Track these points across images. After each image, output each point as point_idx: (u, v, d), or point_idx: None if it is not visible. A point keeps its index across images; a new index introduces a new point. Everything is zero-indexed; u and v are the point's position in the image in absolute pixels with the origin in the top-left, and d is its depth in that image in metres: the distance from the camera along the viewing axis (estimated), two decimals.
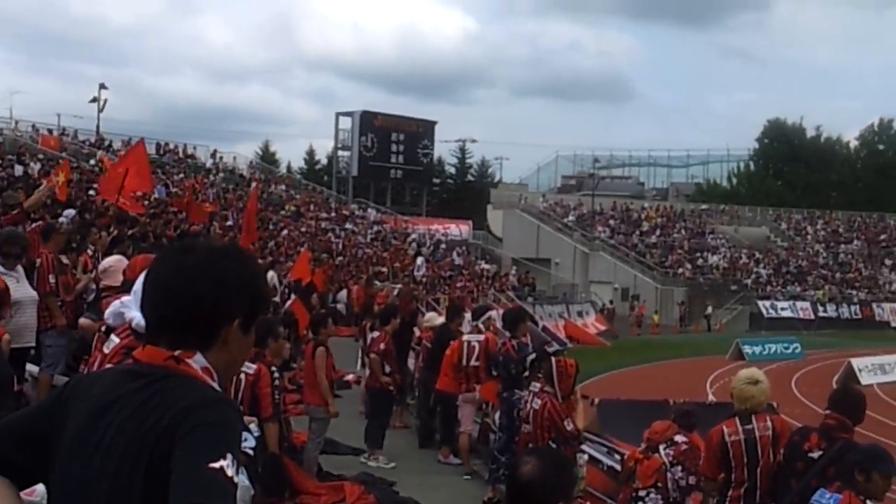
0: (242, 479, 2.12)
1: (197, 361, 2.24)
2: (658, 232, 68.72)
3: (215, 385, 2.25)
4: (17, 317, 9.34)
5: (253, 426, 6.82)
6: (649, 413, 15.32)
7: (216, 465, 2.02)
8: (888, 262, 69.88)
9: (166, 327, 2.25)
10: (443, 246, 57.29)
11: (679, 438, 8.06)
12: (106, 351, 3.91)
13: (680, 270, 62.68)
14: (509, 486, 3.63)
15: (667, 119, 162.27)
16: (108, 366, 3.51)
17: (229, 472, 2.01)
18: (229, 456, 2.03)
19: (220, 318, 2.26)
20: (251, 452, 1.94)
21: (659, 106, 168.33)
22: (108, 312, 3.55)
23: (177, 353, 2.23)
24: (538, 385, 9.96)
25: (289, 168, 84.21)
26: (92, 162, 40.82)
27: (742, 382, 7.08)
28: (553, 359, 9.33)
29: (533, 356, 10.96)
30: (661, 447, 8.10)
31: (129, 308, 3.40)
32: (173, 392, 2.15)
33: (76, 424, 2.23)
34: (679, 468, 7.90)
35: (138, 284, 3.38)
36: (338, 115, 74.21)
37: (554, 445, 8.81)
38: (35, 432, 2.30)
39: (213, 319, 2.26)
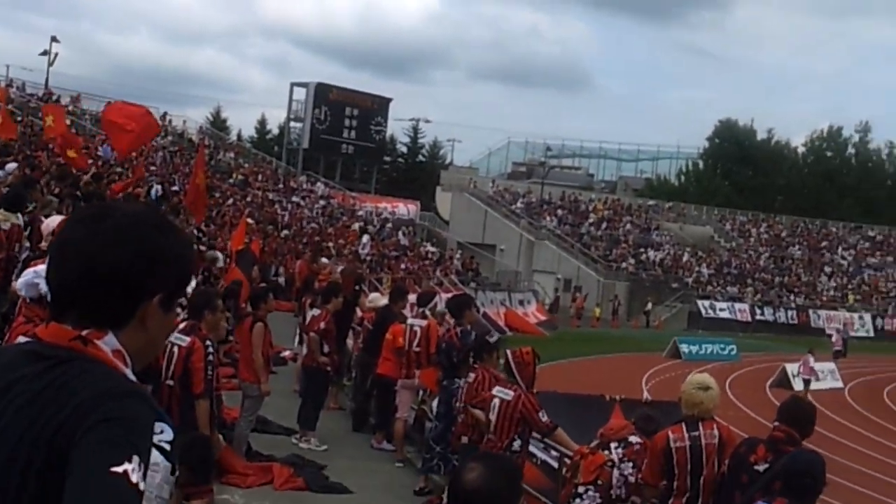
0: (152, 482, 1.84)
1: (108, 343, 1.94)
2: (604, 225, 68.95)
3: (128, 371, 1.96)
4: None
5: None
6: (585, 407, 15.29)
7: (119, 469, 1.73)
8: (827, 269, 70.78)
9: (74, 302, 1.95)
10: (389, 225, 56.97)
11: (634, 439, 7.88)
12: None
13: (623, 265, 62.97)
14: (451, 492, 3.29)
15: (620, 111, 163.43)
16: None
17: (134, 478, 1.73)
18: (135, 458, 1.75)
19: (137, 294, 1.96)
20: (168, 447, 1.71)
21: (613, 97, 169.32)
22: (20, 282, 3.24)
23: (85, 332, 1.93)
24: (473, 374, 9.82)
25: (239, 136, 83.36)
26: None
27: (692, 387, 6.94)
28: (508, 351, 9.08)
29: (474, 344, 10.81)
30: (613, 445, 7.91)
31: (43, 279, 3.07)
32: (77, 379, 1.86)
33: None
34: (630, 464, 7.71)
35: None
36: (292, 85, 73.66)
37: (518, 440, 8.61)
38: None
39: (129, 294, 1.96)
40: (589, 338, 42.77)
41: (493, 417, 8.67)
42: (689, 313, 58.07)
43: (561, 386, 18.96)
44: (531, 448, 10.61)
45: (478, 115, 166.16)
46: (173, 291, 2.05)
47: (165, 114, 59.37)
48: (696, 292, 61.29)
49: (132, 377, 1.97)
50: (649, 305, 57.42)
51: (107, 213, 2.01)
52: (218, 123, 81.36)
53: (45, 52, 56.04)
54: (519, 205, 68.69)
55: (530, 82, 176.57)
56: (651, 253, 66.01)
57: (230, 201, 41.60)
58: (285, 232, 40.68)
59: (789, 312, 62.06)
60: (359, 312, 15.79)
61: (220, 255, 19.93)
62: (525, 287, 52.98)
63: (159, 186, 28.74)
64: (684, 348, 37.97)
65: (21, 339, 2.89)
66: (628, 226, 69.83)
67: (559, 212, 69.32)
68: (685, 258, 66.91)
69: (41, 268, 3.17)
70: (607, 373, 29.42)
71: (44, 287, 3.08)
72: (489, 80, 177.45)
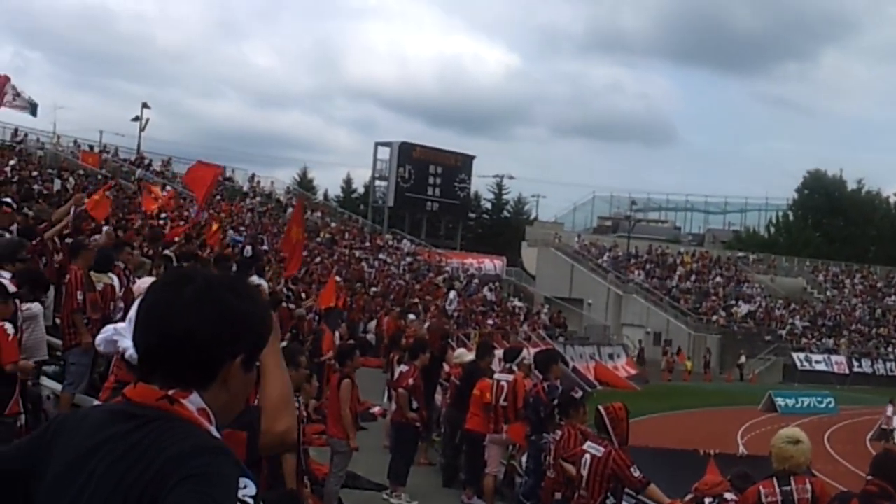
0: None
1: (193, 402, 2.02)
2: (693, 277, 68.15)
3: (212, 429, 2.03)
4: (34, 332, 9.13)
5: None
6: (679, 462, 15.05)
7: None
8: None
9: (160, 364, 2.04)
10: (475, 281, 57.02)
11: (729, 496, 7.71)
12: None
13: (714, 318, 62.04)
14: None
15: (705, 164, 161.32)
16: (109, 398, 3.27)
17: None
18: None
19: (220, 356, 2.06)
20: (251, 501, 1.73)
21: (698, 150, 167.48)
22: (99, 338, 3.30)
23: (171, 392, 2.01)
24: (560, 432, 9.71)
25: (325, 195, 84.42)
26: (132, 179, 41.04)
27: (782, 441, 6.77)
28: (600, 407, 8.93)
29: (559, 400, 10.70)
30: (707, 500, 7.74)
31: (122, 336, 3.13)
32: (164, 437, 1.93)
33: (59, 467, 2.01)
34: None
35: (132, 312, 3.13)
36: (377, 144, 74.34)
37: (611, 497, 8.47)
38: (16, 470, 2.10)
39: (212, 357, 2.05)
40: (681, 392, 42.08)
41: (584, 473, 8.54)
42: (783, 366, 56.92)
43: (653, 440, 18.71)
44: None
45: (561, 171, 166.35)
46: (253, 352, 2.14)
47: (253, 175, 60.66)
48: (791, 345, 60.03)
49: (216, 434, 2.04)
50: (742, 358, 56.40)
51: (189, 279, 2.10)
52: (305, 183, 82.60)
53: (136, 118, 57.81)
54: (605, 259, 68.28)
55: (613, 137, 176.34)
56: (742, 305, 64.92)
57: (318, 259, 42.06)
58: (373, 289, 40.95)
59: (888, 364, 60.34)
60: (446, 368, 15.78)
61: (305, 312, 20.13)
62: (614, 341, 52.51)
63: (249, 247, 29.20)
64: (780, 402, 37.16)
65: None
66: (717, 278, 68.86)
67: (647, 265, 68.75)
68: (778, 310, 65.67)
69: (120, 325, 3.23)
70: (701, 427, 28.89)
71: (122, 343, 3.13)
72: (572, 135, 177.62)
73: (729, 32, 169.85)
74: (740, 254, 76.50)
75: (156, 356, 2.04)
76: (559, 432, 9.93)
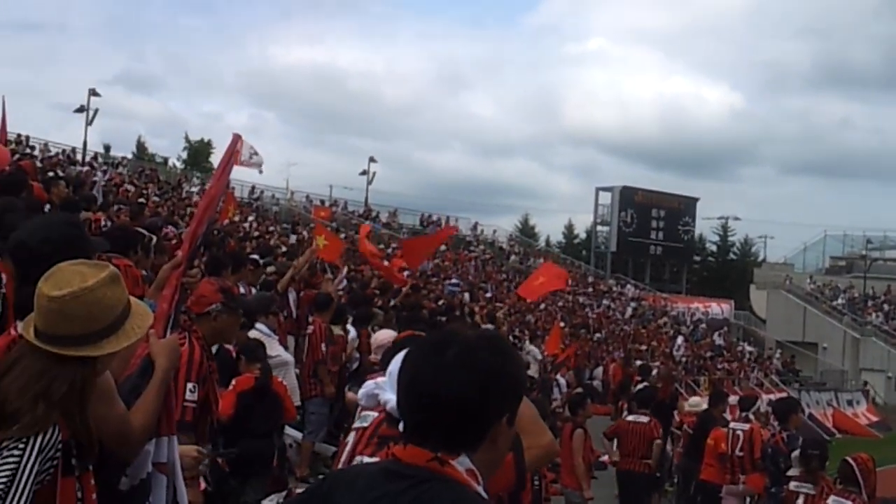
0: None
1: (462, 463, 2.10)
2: None
3: (480, 490, 2.10)
4: (286, 378, 9.57)
5: None
6: None
7: None
8: None
9: (430, 430, 2.12)
10: (702, 325, 55.81)
11: None
12: (357, 424, 3.82)
13: None
14: None
15: None
16: (361, 455, 3.44)
17: None
18: None
19: (488, 419, 2.12)
20: None
21: None
22: (361, 392, 3.48)
23: (440, 454, 2.09)
24: (812, 485, 9.34)
25: (547, 242, 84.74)
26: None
27: None
28: (849, 458, 8.60)
29: (799, 450, 10.31)
30: None
31: (383, 390, 3.30)
32: (437, 499, 2.03)
33: None
34: None
35: (394, 366, 3.29)
36: (598, 189, 74.06)
37: None
38: None
39: (481, 421, 2.12)
40: None
41: None
42: None
43: None
44: None
45: (790, 211, 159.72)
46: (516, 408, 2.19)
47: (476, 224, 61.56)
48: None
49: (484, 494, 2.11)
50: None
51: (443, 345, 2.16)
52: (527, 230, 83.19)
53: (364, 172, 59.84)
54: (840, 300, 65.38)
55: (845, 174, 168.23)
56: None
57: (542, 306, 42.23)
58: (597, 335, 40.73)
59: None
60: (677, 417, 15.53)
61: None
62: (853, 386, 50.15)
63: (467, 294, 29.70)
64: None
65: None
66: None
67: (885, 306, 65.38)
68: None
69: (381, 379, 3.40)
70: None
71: (383, 397, 3.29)
72: (800, 174, 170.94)
73: None
74: None
75: (426, 425, 2.12)
76: (812, 486, 9.53)
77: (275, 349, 9.39)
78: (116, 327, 3.02)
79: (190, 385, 4.89)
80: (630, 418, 13.47)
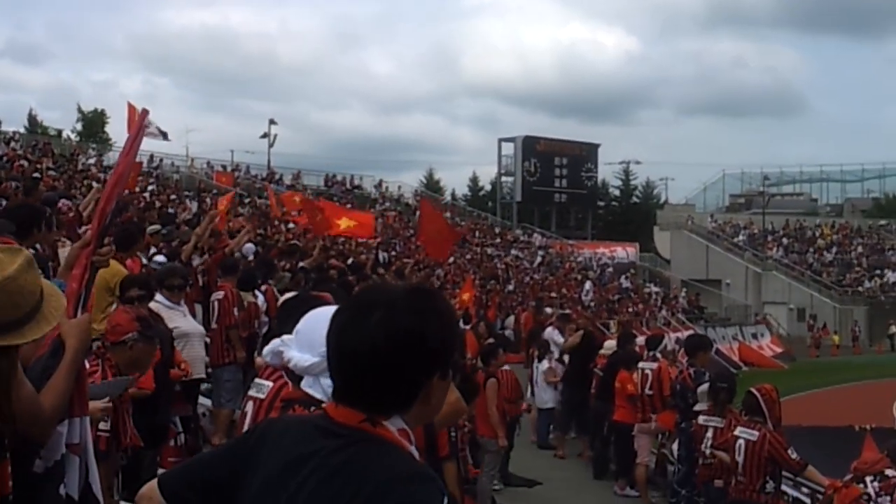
0: None
1: (394, 423, 2.08)
2: (834, 249, 66.22)
3: (412, 449, 2.08)
4: (187, 350, 9.42)
5: None
6: (833, 440, 14.67)
7: None
8: None
9: (358, 392, 2.07)
10: (609, 269, 56.62)
11: (890, 472, 7.52)
12: (253, 393, 3.77)
13: (859, 289, 60.19)
14: None
15: (838, 133, 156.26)
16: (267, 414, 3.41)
17: None
18: None
19: (415, 380, 2.08)
20: None
21: (830, 120, 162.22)
22: (266, 349, 3.42)
23: (372, 415, 2.06)
24: (720, 418, 9.57)
25: (453, 195, 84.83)
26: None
27: None
28: (753, 389, 8.80)
29: (707, 385, 10.54)
30: (868, 479, 7.57)
31: (288, 347, 3.26)
32: (372, 461, 2.00)
33: (265, 476, 2.11)
34: (888, 498, 7.36)
35: (302, 324, 3.26)
36: (500, 141, 74.36)
37: (770, 481, 8.37)
38: (218, 480, 2.20)
39: (408, 382, 2.07)
40: (830, 367, 40.91)
41: (739, 459, 8.45)
42: None
43: (805, 419, 18.27)
44: (784, 487, 10.27)
45: (689, 151, 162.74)
46: (448, 364, 2.15)
47: (381, 181, 61.39)
48: None
49: (416, 454, 2.10)
50: (893, 328, 54.51)
51: (369, 307, 2.08)
52: (431, 185, 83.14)
53: (265, 135, 59.19)
54: (741, 237, 66.89)
55: (740, 113, 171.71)
56: (889, 274, 62.78)
57: (451, 260, 42.35)
58: (507, 286, 41.01)
59: None
60: None
61: None
62: (757, 320, 51.45)
63: (384, 254, 29.62)
64: None
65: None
66: (860, 248, 66.74)
67: (784, 240, 67.10)
68: None
69: (287, 337, 3.35)
70: (854, 402, 28.04)
71: (287, 354, 3.25)
72: (697, 114, 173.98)
73: None
74: (882, 221, 73.91)
75: (357, 388, 2.07)
76: (721, 419, 9.76)
77: (175, 321, 9.19)
78: (35, 313, 2.95)
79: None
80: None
